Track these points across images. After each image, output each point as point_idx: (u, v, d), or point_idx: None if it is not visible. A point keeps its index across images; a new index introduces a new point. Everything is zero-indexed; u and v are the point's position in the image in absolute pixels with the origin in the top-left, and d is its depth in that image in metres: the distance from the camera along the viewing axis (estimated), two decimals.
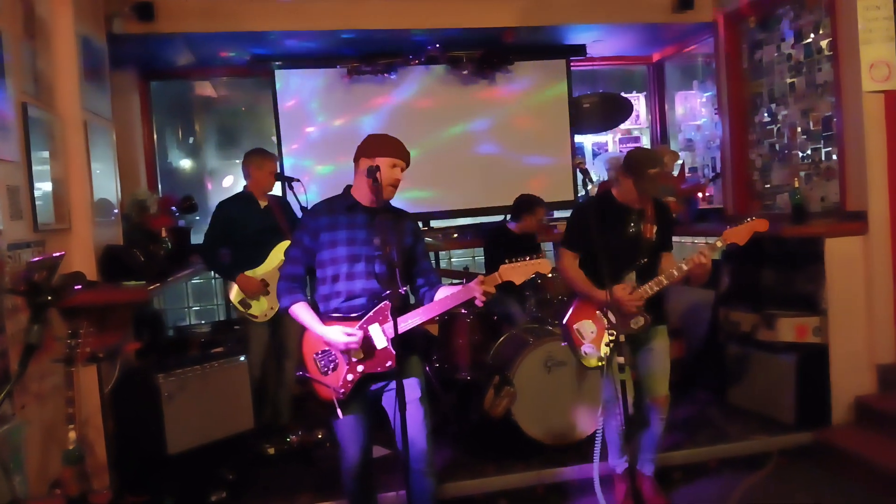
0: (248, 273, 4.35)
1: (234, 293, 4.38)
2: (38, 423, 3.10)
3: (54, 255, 3.14)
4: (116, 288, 3.70)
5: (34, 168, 3.30)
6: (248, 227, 4.40)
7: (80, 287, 3.19)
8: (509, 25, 5.52)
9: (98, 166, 3.99)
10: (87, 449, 3.29)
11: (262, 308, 4.40)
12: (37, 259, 2.99)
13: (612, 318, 3.30)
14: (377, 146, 2.91)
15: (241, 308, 4.38)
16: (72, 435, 2.88)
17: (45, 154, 3.48)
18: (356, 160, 2.95)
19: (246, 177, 4.55)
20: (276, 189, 4.69)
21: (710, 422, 4.56)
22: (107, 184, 4.18)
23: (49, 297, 2.38)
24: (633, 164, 3.34)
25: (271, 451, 4.30)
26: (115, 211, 4.33)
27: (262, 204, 4.50)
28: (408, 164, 2.95)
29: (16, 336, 2.89)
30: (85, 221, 3.79)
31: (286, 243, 4.43)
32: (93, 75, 4.05)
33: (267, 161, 4.53)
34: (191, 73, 6.26)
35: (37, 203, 3.30)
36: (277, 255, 4.41)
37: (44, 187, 3.42)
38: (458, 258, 6.66)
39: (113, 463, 3.56)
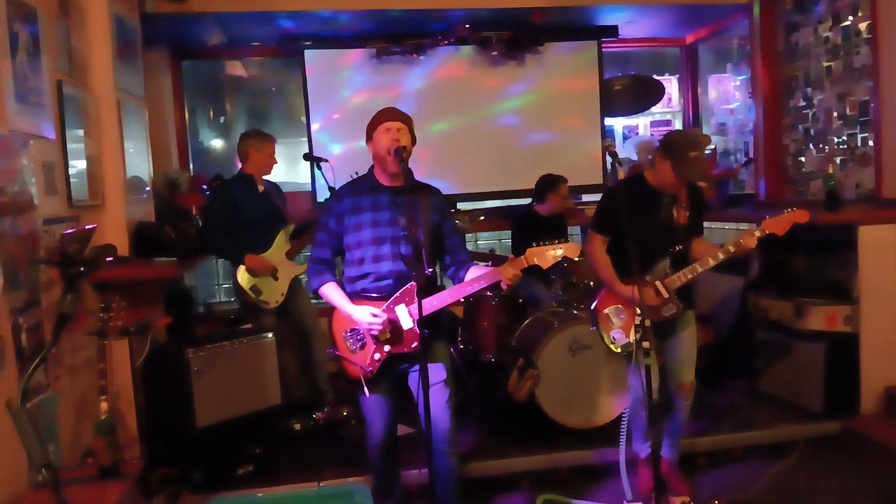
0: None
1: (244, 277, 4.28)
2: (70, 394, 3.18)
3: (86, 227, 3.20)
4: (148, 264, 3.76)
5: (69, 145, 3.36)
6: (251, 211, 4.31)
7: (111, 259, 3.24)
8: (540, 6, 5.46)
9: (130, 144, 4.04)
10: (118, 421, 3.37)
11: (273, 294, 4.35)
12: (70, 231, 3.05)
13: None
14: (371, 124, 2.94)
15: (252, 295, 4.29)
16: (104, 406, 2.95)
17: (80, 132, 3.53)
18: (366, 142, 2.99)
19: (243, 158, 4.42)
20: (305, 171, 4.68)
21: (737, 408, 4.53)
22: (139, 162, 4.24)
23: (81, 268, 2.43)
24: (674, 146, 3.24)
25: (298, 427, 4.37)
26: (147, 188, 4.38)
27: (260, 188, 4.43)
28: (406, 124, 2.91)
29: (51, 309, 2.97)
30: (118, 198, 3.84)
31: (290, 228, 4.46)
32: (126, 54, 4.09)
33: (266, 143, 4.43)
34: (222, 53, 6.29)
35: (71, 180, 3.36)
36: (283, 240, 4.41)
37: (78, 164, 3.48)
38: (483, 241, 6.65)
39: (143, 435, 3.65)
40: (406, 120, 2.93)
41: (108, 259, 3.10)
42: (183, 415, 3.64)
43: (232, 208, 4.28)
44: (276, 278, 4.36)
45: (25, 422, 1.83)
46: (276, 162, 4.51)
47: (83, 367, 3.31)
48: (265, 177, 4.52)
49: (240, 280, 4.29)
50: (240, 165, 4.50)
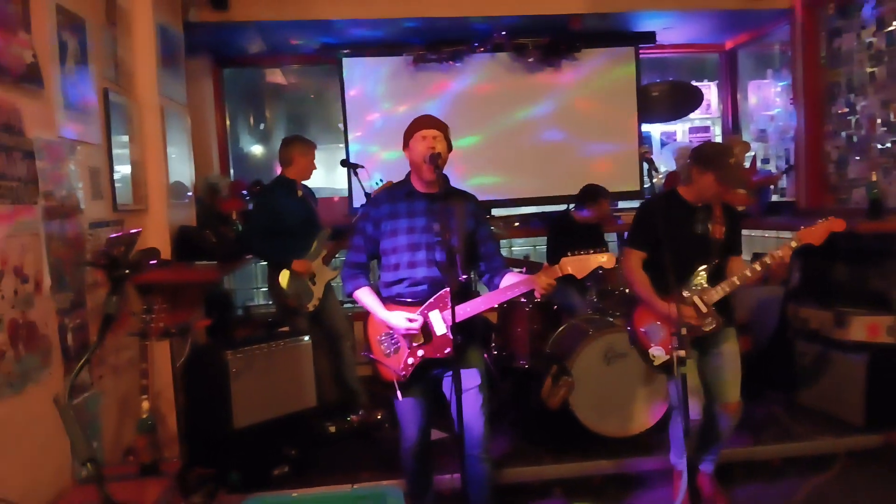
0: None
1: (286, 281, 4.32)
2: (113, 393, 3.27)
3: (132, 231, 3.29)
4: (189, 267, 3.85)
5: (114, 151, 3.46)
6: (291, 216, 4.36)
7: (154, 262, 3.33)
8: (577, 12, 5.46)
9: (173, 150, 4.14)
10: (158, 420, 3.44)
11: (310, 298, 4.42)
12: (116, 235, 3.14)
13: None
14: (408, 131, 2.96)
15: (292, 298, 4.33)
16: (145, 405, 3.02)
17: (125, 138, 3.64)
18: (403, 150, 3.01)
19: (287, 163, 4.46)
20: (342, 176, 4.75)
21: (775, 420, 4.44)
22: (181, 167, 4.34)
23: (127, 271, 2.51)
24: (711, 157, 3.25)
25: (332, 429, 4.41)
26: (189, 193, 4.48)
27: (299, 193, 4.50)
28: (442, 131, 2.92)
29: (95, 310, 3.05)
30: (161, 203, 3.94)
31: (327, 232, 4.52)
32: (169, 62, 4.19)
33: (311, 148, 4.51)
34: (262, 61, 6.42)
35: (116, 185, 3.46)
36: (320, 244, 4.46)
37: (122, 170, 3.58)
38: (518, 247, 6.65)
39: (182, 435, 3.72)
40: (442, 127, 2.94)
41: (151, 262, 3.18)
42: (221, 415, 3.71)
43: (274, 212, 4.34)
44: (314, 282, 4.43)
45: (72, 418, 1.89)
46: (315, 168, 4.58)
47: (125, 367, 3.40)
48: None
49: (281, 283, 4.36)
50: (279, 170, 4.57)
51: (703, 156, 3.30)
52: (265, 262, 4.61)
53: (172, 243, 3.97)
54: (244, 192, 5.35)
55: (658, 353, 3.32)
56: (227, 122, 6.44)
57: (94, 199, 3.22)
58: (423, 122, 2.94)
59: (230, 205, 5.07)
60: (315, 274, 4.42)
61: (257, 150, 6.81)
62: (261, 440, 3.80)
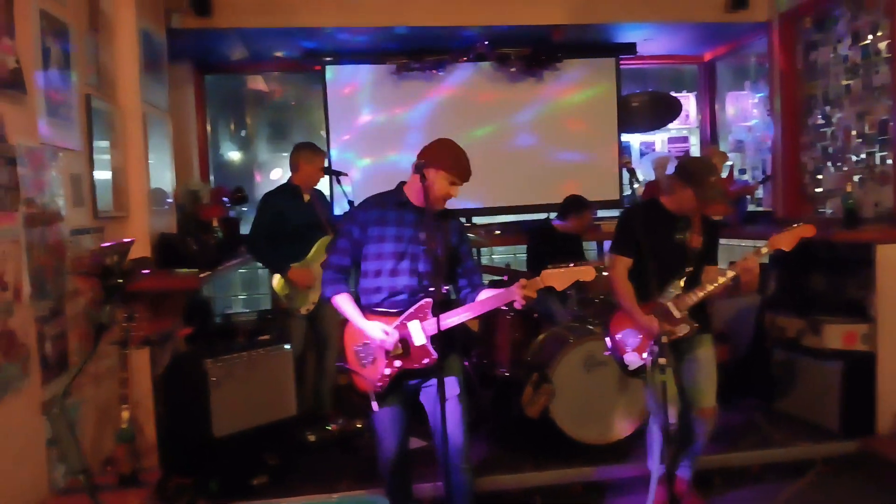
0: (292, 266, 4.36)
1: (279, 284, 4.40)
2: (92, 402, 3.23)
3: (124, 240, 3.26)
4: (170, 275, 3.82)
5: (95, 157, 3.43)
6: (294, 220, 4.43)
7: (147, 271, 3.31)
8: (558, 23, 5.52)
9: (154, 157, 4.12)
10: (137, 429, 3.41)
11: (305, 302, 4.45)
12: (108, 244, 3.11)
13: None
14: (441, 157, 2.88)
15: (284, 300, 4.41)
16: (125, 415, 3.00)
17: (106, 144, 3.61)
18: (417, 159, 2.90)
19: (294, 169, 4.56)
20: (324, 183, 4.76)
21: (753, 427, 4.50)
22: (162, 174, 4.32)
23: (120, 280, 2.50)
24: (692, 173, 3.32)
25: (312, 438, 4.40)
26: (170, 200, 4.45)
27: (306, 198, 4.56)
28: (466, 181, 2.93)
29: (75, 318, 3.02)
30: (142, 210, 3.91)
31: (327, 238, 4.52)
32: (152, 68, 4.18)
33: (318, 156, 4.56)
34: (244, 68, 6.40)
35: (97, 192, 3.43)
36: (320, 249, 4.48)
37: (103, 176, 3.55)
38: (499, 255, 6.68)
39: (161, 444, 3.69)
40: (468, 179, 2.94)
41: (144, 271, 3.16)
42: (200, 424, 3.68)
43: (276, 217, 4.40)
44: (312, 286, 4.44)
45: (65, 428, 1.88)
46: (323, 175, 4.62)
47: (105, 375, 3.36)
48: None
49: (274, 286, 4.41)
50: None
51: (685, 171, 3.37)
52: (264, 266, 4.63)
53: (153, 250, 3.95)
54: (225, 199, 5.33)
55: (632, 359, 3.38)
56: (209, 129, 6.42)
57: (76, 206, 3.19)
58: (461, 172, 2.89)
59: (211, 212, 5.04)
60: (314, 283, 4.39)
61: (238, 157, 6.79)
62: (240, 449, 3.78)
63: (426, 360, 2.86)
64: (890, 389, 4.20)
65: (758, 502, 3.75)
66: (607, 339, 3.49)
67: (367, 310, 2.96)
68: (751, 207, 6.18)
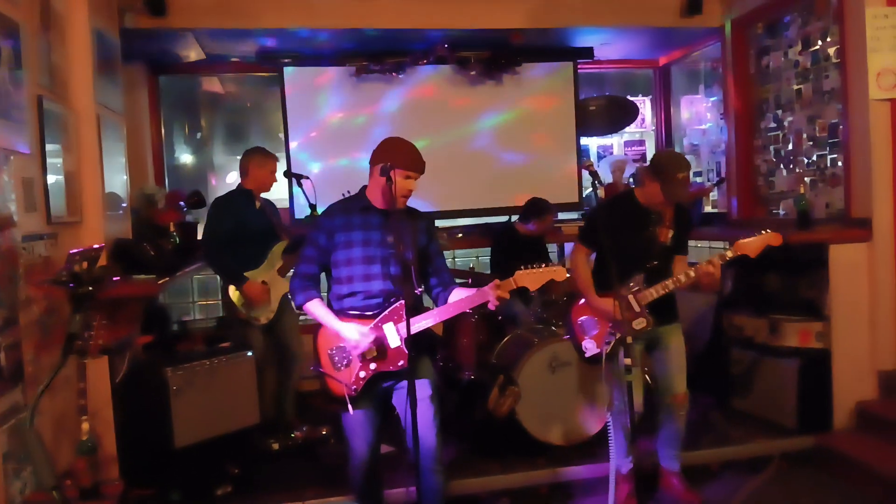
0: (248, 274, 4.24)
1: (236, 295, 4.25)
2: (49, 414, 3.12)
3: (94, 246, 3.15)
4: (129, 281, 3.71)
5: (48, 160, 3.32)
6: (248, 226, 4.31)
7: (118, 279, 3.20)
8: (518, 27, 5.54)
9: (108, 160, 4.00)
10: (97, 440, 3.31)
11: (264, 311, 4.33)
12: (78, 251, 3.00)
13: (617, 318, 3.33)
14: (394, 154, 2.88)
15: (243, 310, 4.27)
16: (85, 426, 2.90)
17: (58, 147, 3.49)
18: (371, 163, 2.94)
19: (244, 174, 4.44)
20: (283, 187, 4.67)
21: (712, 425, 4.58)
22: (116, 177, 4.20)
23: (90, 288, 2.41)
24: (662, 167, 3.35)
25: (276, 446, 4.33)
26: (124, 205, 4.33)
27: (258, 204, 4.45)
28: (422, 174, 2.94)
29: (29, 327, 2.92)
30: (96, 215, 3.79)
31: (283, 244, 4.45)
32: (106, 69, 4.06)
33: (269, 160, 4.45)
34: (199, 69, 6.27)
35: (49, 196, 3.32)
36: (275, 256, 4.40)
37: (56, 180, 3.43)
38: (461, 258, 6.67)
39: (120, 454, 3.58)
40: (423, 171, 2.95)
41: (115, 278, 3.05)
42: (161, 434, 3.60)
43: (230, 224, 4.26)
44: (266, 302, 4.33)
45: (37, 444, 1.80)
46: (276, 180, 4.51)
47: (61, 386, 3.24)
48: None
49: (231, 296, 4.26)
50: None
51: (656, 164, 3.44)
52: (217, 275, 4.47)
53: (108, 256, 3.84)
54: (181, 203, 5.21)
55: (590, 345, 3.50)
56: (163, 132, 6.26)
57: (28, 212, 3.08)
58: (416, 165, 2.90)
59: (167, 216, 4.92)
60: (269, 298, 4.31)
61: (192, 159, 6.64)
62: (202, 459, 3.70)
63: (401, 362, 2.85)
64: (845, 386, 4.33)
65: (720, 499, 3.81)
66: (568, 323, 3.59)
67: (341, 314, 2.93)
68: (706, 209, 6.30)
